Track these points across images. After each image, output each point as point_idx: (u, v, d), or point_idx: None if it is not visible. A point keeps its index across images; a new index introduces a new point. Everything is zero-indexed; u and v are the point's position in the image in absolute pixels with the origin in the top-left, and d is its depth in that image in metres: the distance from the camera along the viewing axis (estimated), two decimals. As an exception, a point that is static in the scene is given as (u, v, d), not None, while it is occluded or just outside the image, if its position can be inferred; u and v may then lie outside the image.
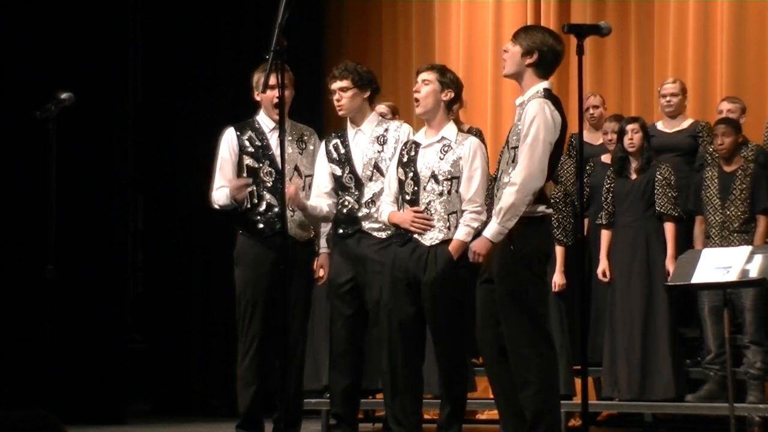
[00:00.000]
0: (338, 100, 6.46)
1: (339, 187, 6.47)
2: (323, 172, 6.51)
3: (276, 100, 6.37)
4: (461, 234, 6.09)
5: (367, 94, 6.48)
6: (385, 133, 6.48)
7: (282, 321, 5.70)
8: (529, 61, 5.55)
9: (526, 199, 5.42)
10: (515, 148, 5.51)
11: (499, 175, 5.64)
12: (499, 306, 5.53)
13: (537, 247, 5.50)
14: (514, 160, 5.51)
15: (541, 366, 5.47)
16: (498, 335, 5.56)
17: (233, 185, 6.40)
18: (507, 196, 5.42)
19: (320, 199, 6.47)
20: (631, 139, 7.66)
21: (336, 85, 6.45)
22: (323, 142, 6.55)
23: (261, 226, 6.44)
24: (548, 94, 5.55)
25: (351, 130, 6.51)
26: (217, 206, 6.55)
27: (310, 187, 6.54)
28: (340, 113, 6.52)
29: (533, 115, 5.44)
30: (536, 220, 5.51)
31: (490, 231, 5.50)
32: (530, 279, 5.50)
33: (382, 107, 8.31)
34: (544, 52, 5.55)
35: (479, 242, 5.56)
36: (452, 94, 6.22)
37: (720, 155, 7.57)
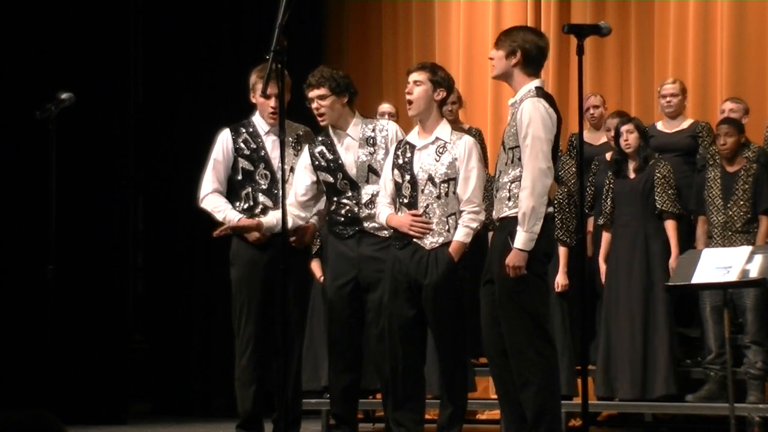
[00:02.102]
0: (317, 109, 6.40)
1: (333, 192, 6.42)
2: (302, 180, 6.41)
3: (271, 109, 6.38)
4: (460, 235, 6.07)
5: (346, 98, 6.41)
6: (373, 134, 6.43)
7: (279, 321, 5.70)
8: (513, 61, 5.55)
9: (542, 199, 5.40)
10: (512, 149, 5.50)
11: (497, 176, 5.63)
12: (498, 306, 5.52)
13: (537, 247, 5.49)
14: (513, 161, 5.50)
15: (542, 366, 5.46)
16: (500, 336, 5.55)
17: (245, 226, 6.39)
18: (524, 202, 5.38)
19: (291, 211, 6.27)
20: (626, 140, 7.66)
21: (313, 93, 6.38)
22: (306, 150, 6.47)
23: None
24: (540, 92, 5.53)
25: (336, 136, 6.43)
26: (206, 209, 6.56)
27: None
28: (323, 123, 6.44)
29: (528, 114, 5.42)
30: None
31: (521, 240, 5.40)
32: (530, 279, 5.48)
33: (386, 107, 8.31)
34: (527, 50, 5.55)
35: (514, 256, 5.42)
36: (444, 93, 6.18)
37: (723, 155, 7.57)
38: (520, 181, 5.45)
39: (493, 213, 5.67)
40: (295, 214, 6.36)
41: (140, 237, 10.54)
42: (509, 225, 5.49)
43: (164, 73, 9.96)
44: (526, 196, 5.37)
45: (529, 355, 5.45)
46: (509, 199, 5.50)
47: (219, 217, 6.51)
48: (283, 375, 5.92)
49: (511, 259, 5.42)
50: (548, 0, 9.36)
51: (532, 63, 5.57)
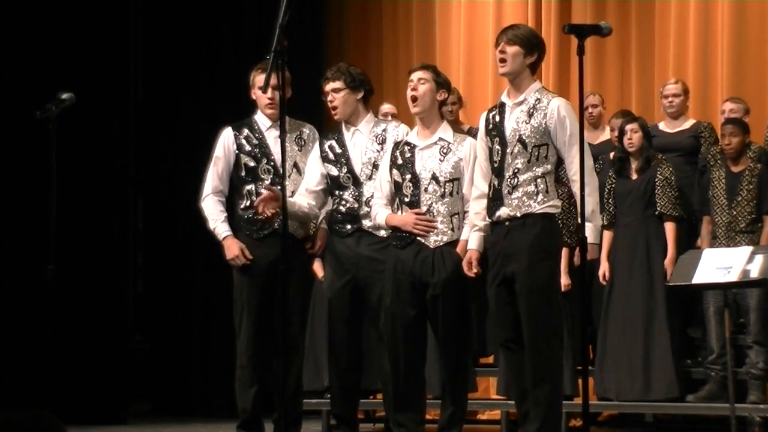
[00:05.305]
0: (331, 101, 6.44)
1: (336, 186, 6.44)
2: (315, 171, 6.45)
3: (269, 101, 6.40)
4: (467, 235, 6.07)
5: (360, 95, 6.45)
6: (383, 133, 6.45)
7: (280, 321, 5.69)
8: (530, 60, 5.62)
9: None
10: (538, 146, 5.57)
11: (510, 173, 5.63)
12: (524, 302, 5.54)
13: (557, 246, 5.62)
14: (537, 159, 5.57)
15: (558, 364, 5.58)
16: (514, 333, 5.63)
17: (234, 253, 6.42)
18: (594, 198, 5.55)
19: (301, 197, 6.38)
20: (630, 139, 7.66)
21: (329, 86, 6.43)
22: (317, 143, 6.51)
23: (258, 224, 6.43)
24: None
25: (347, 131, 6.47)
26: (203, 211, 6.57)
27: None
28: (336, 117, 6.48)
29: (565, 113, 5.58)
30: (556, 216, 5.70)
31: (595, 235, 5.62)
32: (558, 274, 5.63)
33: (387, 107, 8.30)
34: (541, 49, 5.65)
35: (593, 251, 5.64)
36: (446, 95, 6.25)
37: (727, 155, 7.55)
38: (546, 177, 5.58)
39: (505, 210, 5.67)
40: (309, 201, 6.39)
41: (140, 237, 10.54)
42: (541, 221, 5.57)
43: (164, 73, 9.96)
44: (590, 191, 5.45)
45: (547, 354, 5.56)
46: (537, 194, 5.57)
47: (210, 225, 6.54)
48: (283, 375, 5.91)
49: (592, 255, 5.60)
50: (549, 0, 9.35)
51: (539, 62, 5.71)
